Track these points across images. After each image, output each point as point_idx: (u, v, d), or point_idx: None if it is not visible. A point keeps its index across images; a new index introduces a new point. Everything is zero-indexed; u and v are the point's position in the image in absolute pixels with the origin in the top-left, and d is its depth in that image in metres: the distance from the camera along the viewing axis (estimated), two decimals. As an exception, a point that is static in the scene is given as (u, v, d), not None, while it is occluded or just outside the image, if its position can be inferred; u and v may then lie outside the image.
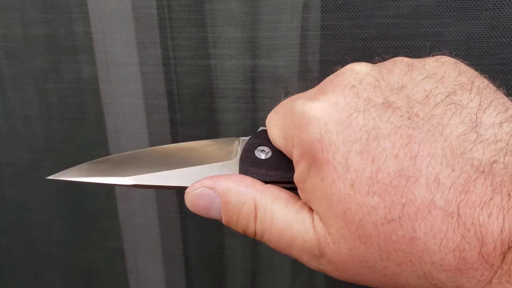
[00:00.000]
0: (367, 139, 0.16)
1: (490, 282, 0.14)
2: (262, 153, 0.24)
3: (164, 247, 0.47)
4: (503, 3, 0.31)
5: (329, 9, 0.35)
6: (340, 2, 0.34)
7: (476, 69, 0.23)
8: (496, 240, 0.14)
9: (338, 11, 0.35)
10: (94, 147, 0.45)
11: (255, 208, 0.20)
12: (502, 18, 0.32)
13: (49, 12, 0.42)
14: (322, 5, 0.35)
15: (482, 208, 0.14)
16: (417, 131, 0.16)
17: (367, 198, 0.16)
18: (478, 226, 0.14)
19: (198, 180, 0.22)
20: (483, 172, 0.15)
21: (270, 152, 0.24)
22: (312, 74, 0.38)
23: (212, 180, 0.22)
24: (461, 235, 0.15)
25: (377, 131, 0.16)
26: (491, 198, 0.15)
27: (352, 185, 0.16)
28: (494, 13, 0.32)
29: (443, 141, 0.15)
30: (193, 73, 0.40)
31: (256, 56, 0.38)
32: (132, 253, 0.48)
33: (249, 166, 0.24)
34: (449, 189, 0.15)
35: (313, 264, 0.20)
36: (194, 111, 0.41)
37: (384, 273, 0.16)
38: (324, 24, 0.35)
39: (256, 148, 0.24)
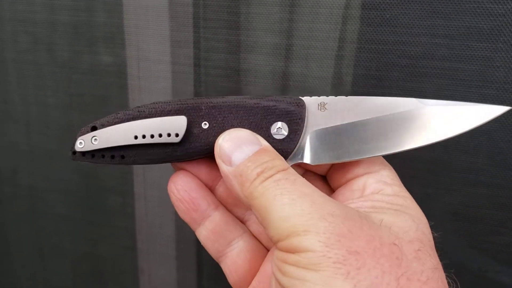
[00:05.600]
0: None
1: None
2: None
3: (178, 251, 0.46)
4: (561, 32, 0.30)
5: (372, 23, 0.33)
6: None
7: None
8: None
9: (383, 26, 0.33)
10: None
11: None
12: (558, 47, 0.30)
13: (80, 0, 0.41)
14: (362, 17, 0.34)
15: None
16: None
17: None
18: None
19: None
20: None
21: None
22: (345, 87, 0.36)
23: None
24: None
25: None
26: None
27: None
28: (550, 42, 0.30)
29: None
30: (224, 76, 0.39)
31: (290, 64, 0.37)
32: (146, 253, 0.47)
33: None
34: None
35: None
36: (222, 115, 0.40)
37: None
38: (365, 38, 0.34)
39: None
